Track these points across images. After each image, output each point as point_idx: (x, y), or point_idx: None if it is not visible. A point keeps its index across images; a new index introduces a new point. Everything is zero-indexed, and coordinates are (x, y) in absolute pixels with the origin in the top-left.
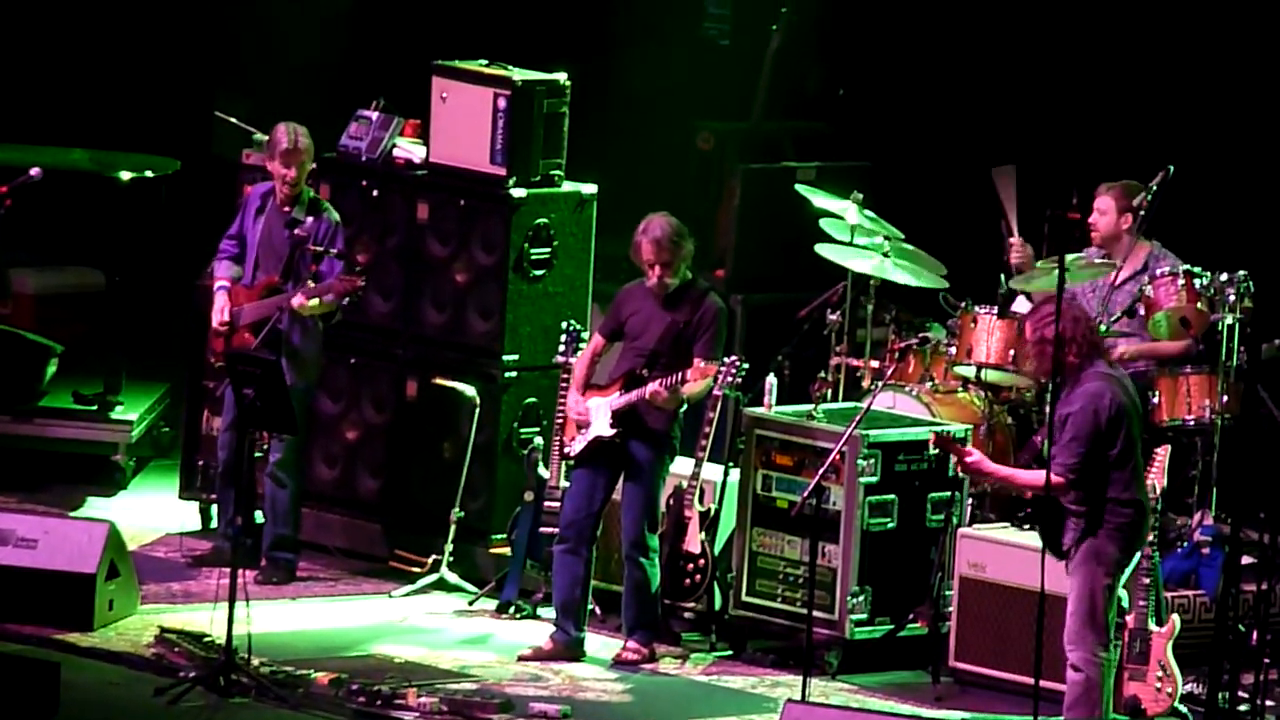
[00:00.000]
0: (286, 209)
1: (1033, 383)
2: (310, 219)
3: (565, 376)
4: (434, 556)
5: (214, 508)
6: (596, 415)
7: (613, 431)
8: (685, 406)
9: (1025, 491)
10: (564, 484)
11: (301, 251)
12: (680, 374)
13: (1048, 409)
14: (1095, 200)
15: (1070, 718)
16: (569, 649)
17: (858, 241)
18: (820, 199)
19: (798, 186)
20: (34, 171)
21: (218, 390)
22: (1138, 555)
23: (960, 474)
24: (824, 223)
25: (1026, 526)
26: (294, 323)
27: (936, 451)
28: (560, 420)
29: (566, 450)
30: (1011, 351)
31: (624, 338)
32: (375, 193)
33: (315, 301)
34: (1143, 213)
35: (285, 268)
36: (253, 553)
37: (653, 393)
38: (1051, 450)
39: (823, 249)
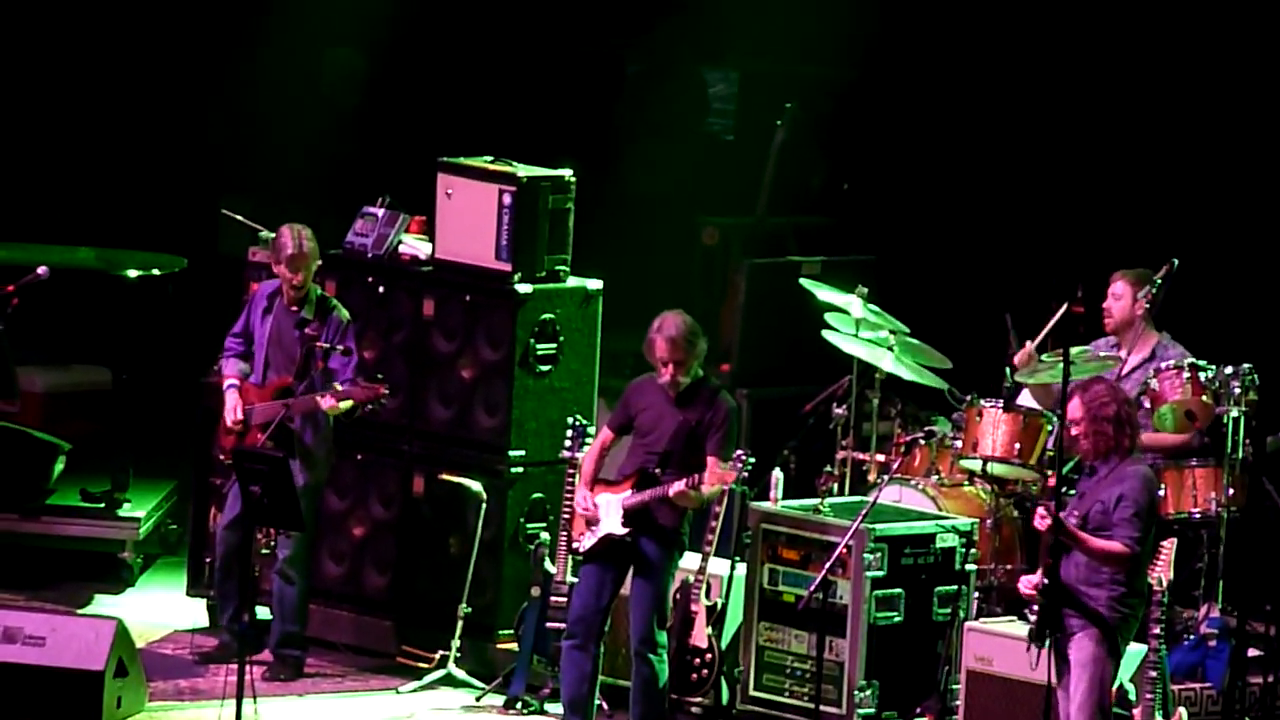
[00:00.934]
0: (295, 309)
1: (1038, 476)
2: (318, 319)
3: (571, 472)
4: (441, 652)
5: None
6: (607, 512)
7: (625, 530)
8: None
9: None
10: (570, 579)
11: (313, 352)
12: (699, 475)
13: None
14: (1111, 286)
15: None
16: None
17: (863, 335)
18: (825, 293)
19: (802, 281)
20: (41, 270)
21: (225, 488)
22: (1143, 649)
23: (1043, 528)
24: (829, 317)
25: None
26: (306, 422)
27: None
28: (567, 515)
29: (575, 546)
30: (1018, 445)
31: (634, 433)
32: (381, 289)
33: (347, 403)
34: (1148, 304)
35: (299, 369)
36: (258, 646)
37: (678, 493)
38: (1111, 522)
39: (831, 335)
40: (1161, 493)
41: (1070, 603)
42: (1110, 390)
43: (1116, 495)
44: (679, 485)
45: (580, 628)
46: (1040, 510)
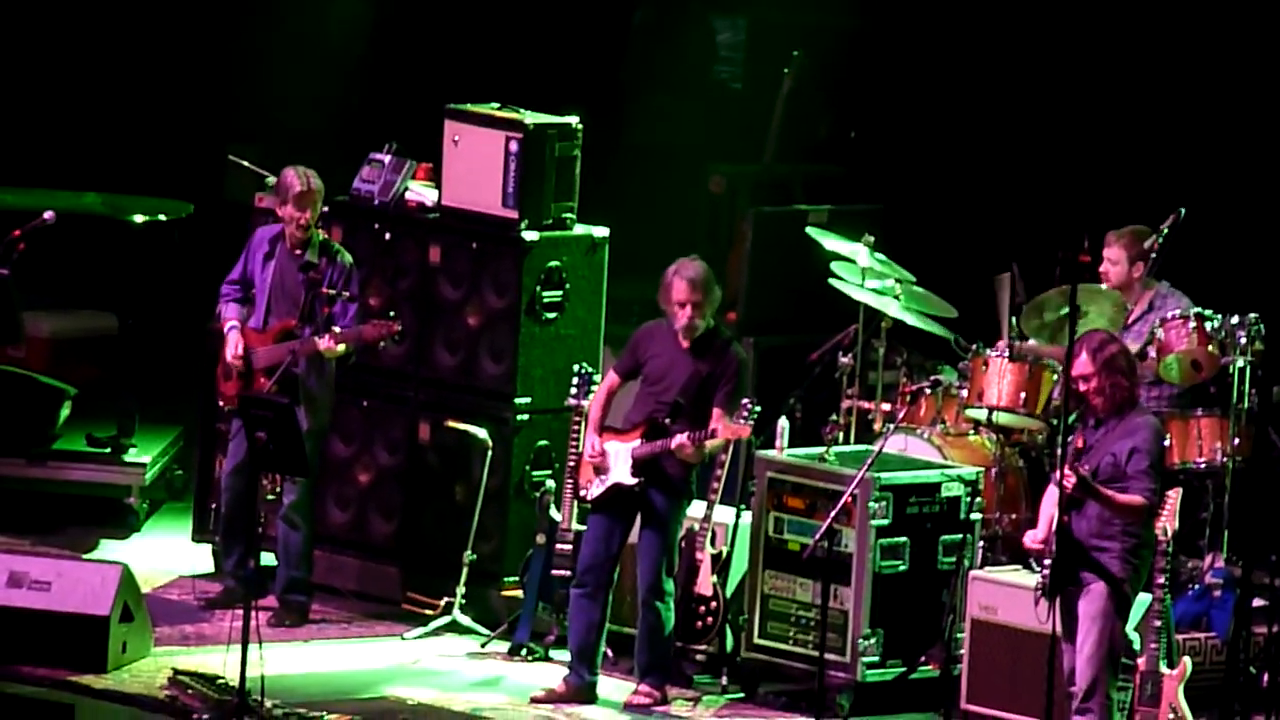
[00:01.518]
0: (298, 252)
1: (1043, 425)
2: (324, 261)
3: (577, 419)
4: (446, 599)
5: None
6: (616, 461)
7: (634, 480)
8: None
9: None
10: (576, 526)
11: (317, 295)
12: (710, 430)
13: (1059, 449)
14: (1105, 250)
15: None
16: (582, 692)
17: (869, 284)
18: (831, 241)
19: (808, 229)
20: (47, 215)
21: (229, 433)
22: (1148, 598)
23: (1070, 488)
24: (835, 266)
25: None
26: (310, 368)
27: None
28: (573, 463)
29: (583, 494)
30: (1023, 394)
31: (642, 379)
32: (387, 236)
33: (343, 346)
34: (1153, 255)
35: (302, 312)
36: (263, 592)
37: (679, 445)
38: (1125, 474)
39: (838, 282)
40: (1167, 442)
41: (1082, 557)
42: (1114, 339)
43: (1129, 448)
44: (682, 439)
45: (590, 576)
46: (1067, 470)
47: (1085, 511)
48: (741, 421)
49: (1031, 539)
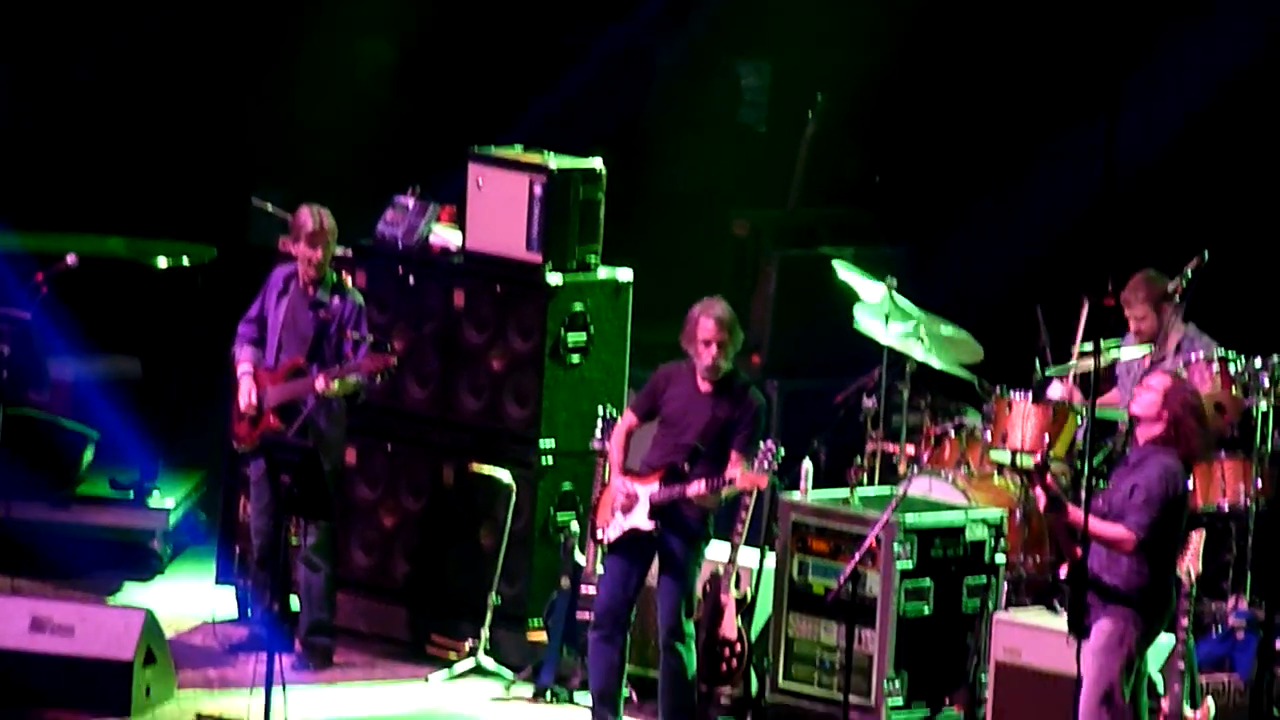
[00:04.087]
0: (311, 291)
1: (1067, 468)
2: (335, 300)
3: (602, 462)
4: (470, 642)
5: (249, 594)
6: (633, 504)
7: (651, 525)
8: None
9: (1077, 551)
10: (600, 570)
11: (327, 334)
12: (728, 478)
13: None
14: (1126, 309)
15: None
16: None
17: (892, 327)
18: (854, 277)
19: (835, 261)
20: (70, 259)
21: (252, 477)
22: (1171, 640)
23: (1041, 507)
24: (859, 309)
25: (1061, 610)
26: (320, 407)
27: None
28: (595, 501)
29: (599, 535)
30: (1047, 436)
31: (660, 421)
32: (411, 280)
33: (338, 384)
34: (1178, 298)
35: (311, 350)
36: (289, 638)
37: (697, 493)
38: (1124, 508)
39: (864, 322)
40: (1191, 485)
41: (1093, 590)
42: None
43: (1132, 483)
44: (700, 486)
45: (607, 619)
46: (1035, 488)
47: (1096, 547)
48: (761, 470)
49: (1064, 573)
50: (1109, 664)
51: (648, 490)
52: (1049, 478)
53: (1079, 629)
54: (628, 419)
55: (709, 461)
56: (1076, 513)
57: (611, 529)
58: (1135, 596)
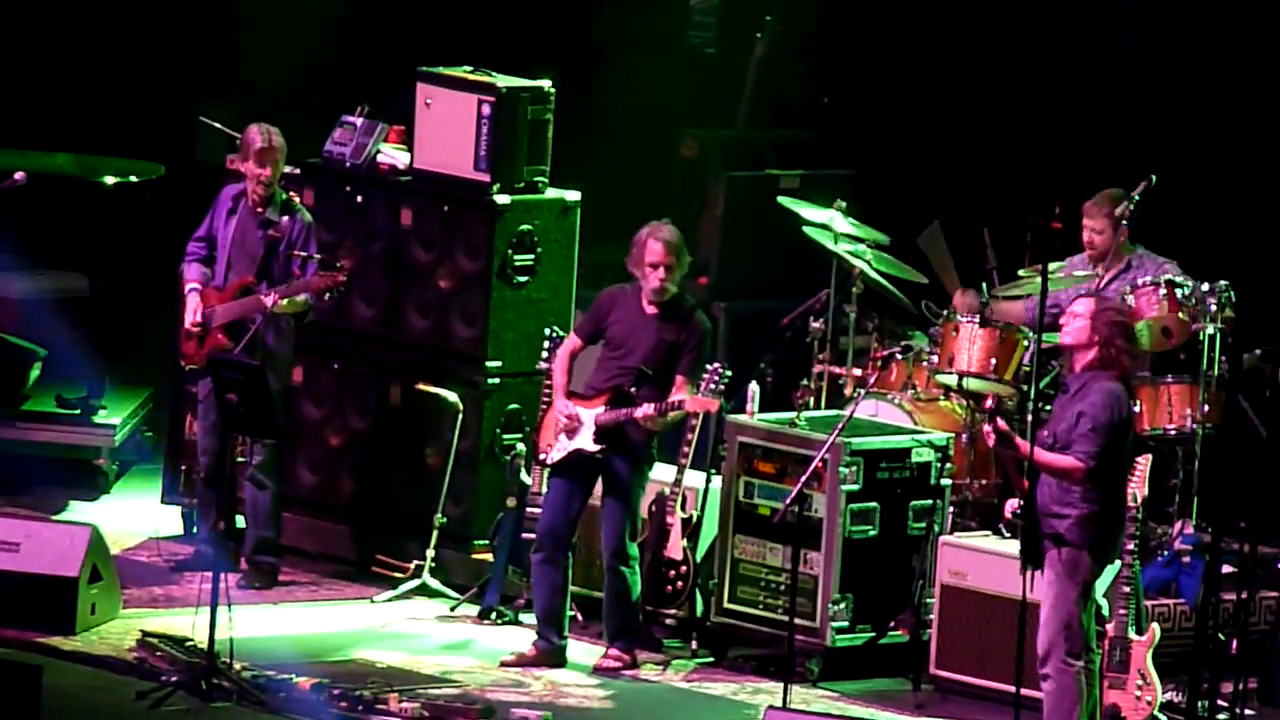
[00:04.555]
0: (260, 210)
1: (1014, 391)
2: (285, 219)
3: (548, 383)
4: (416, 562)
5: (195, 512)
6: (578, 427)
7: (597, 448)
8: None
9: (1024, 480)
10: (545, 490)
11: (276, 252)
12: (676, 401)
13: (1030, 418)
14: (1086, 219)
15: None
16: (551, 656)
17: (842, 248)
18: (804, 209)
19: (780, 199)
20: (18, 176)
21: (199, 395)
22: (1117, 564)
23: (991, 444)
24: (808, 230)
25: (1008, 534)
26: (269, 325)
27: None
28: (538, 423)
29: (542, 457)
30: (994, 360)
31: (604, 344)
32: (359, 199)
33: (287, 301)
34: (1125, 221)
35: (260, 268)
36: (234, 556)
37: (645, 415)
38: (1071, 438)
39: (813, 232)
40: (1137, 409)
41: (1044, 520)
42: (1124, 311)
43: (1078, 411)
44: (648, 409)
45: (548, 540)
46: (986, 426)
47: (1047, 478)
48: (708, 393)
49: (1008, 506)
50: (1065, 592)
51: (592, 413)
52: (998, 418)
53: (1034, 560)
54: (571, 341)
55: (654, 384)
56: (1025, 445)
57: (555, 451)
58: (1086, 524)
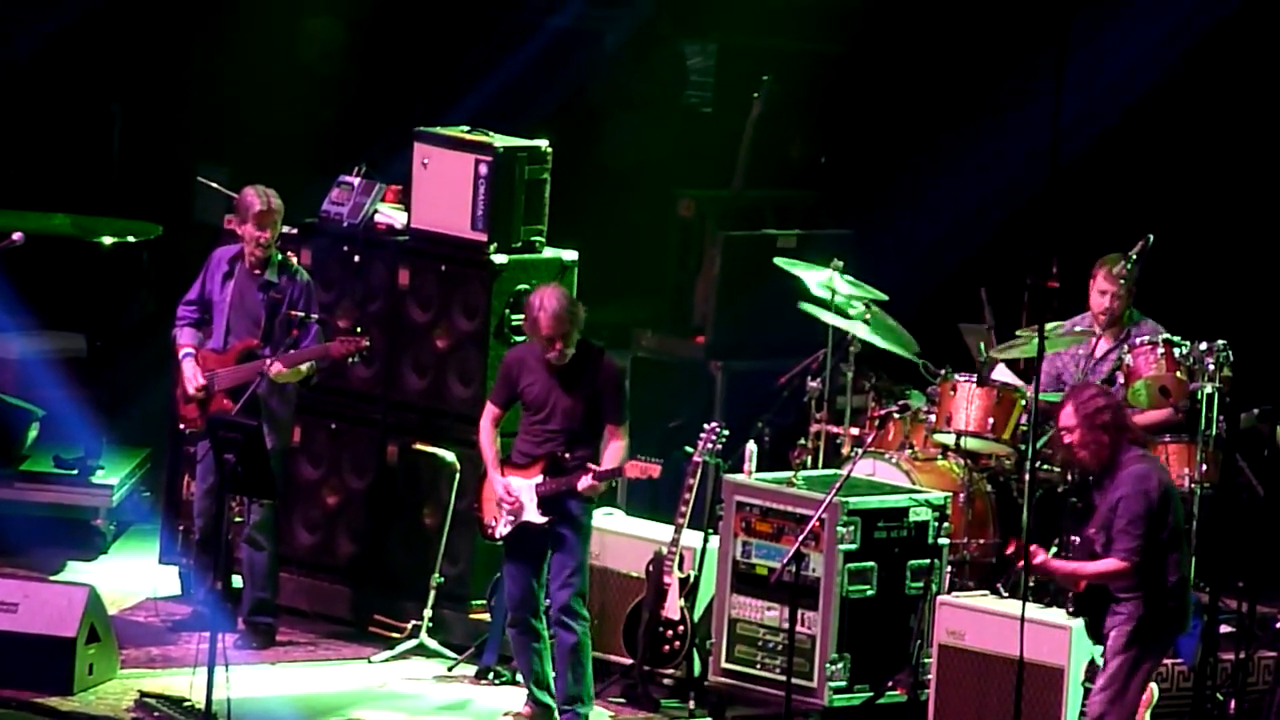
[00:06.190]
0: (258, 272)
1: (1011, 451)
2: (284, 280)
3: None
4: (413, 622)
5: (192, 573)
6: (522, 499)
7: (544, 519)
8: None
9: (1079, 584)
10: None
11: (277, 314)
12: (617, 468)
13: (1027, 477)
14: (1104, 283)
15: None
16: (544, 715)
17: (835, 319)
18: (801, 270)
19: (777, 260)
20: (16, 236)
21: (197, 456)
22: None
23: (1034, 574)
24: (804, 306)
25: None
26: (272, 388)
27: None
28: (478, 498)
29: (490, 533)
30: (991, 420)
31: (524, 407)
32: (357, 258)
33: (292, 369)
34: (1123, 281)
35: (264, 331)
36: (232, 617)
37: (587, 487)
38: (1112, 536)
39: (809, 307)
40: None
41: (1109, 599)
42: (1102, 393)
43: (1112, 504)
44: (587, 481)
45: (518, 613)
46: (1037, 550)
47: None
48: (650, 460)
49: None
50: (1121, 665)
51: (531, 484)
52: (1034, 559)
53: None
54: (490, 412)
55: (585, 440)
56: (1060, 564)
57: (502, 525)
58: (1143, 601)
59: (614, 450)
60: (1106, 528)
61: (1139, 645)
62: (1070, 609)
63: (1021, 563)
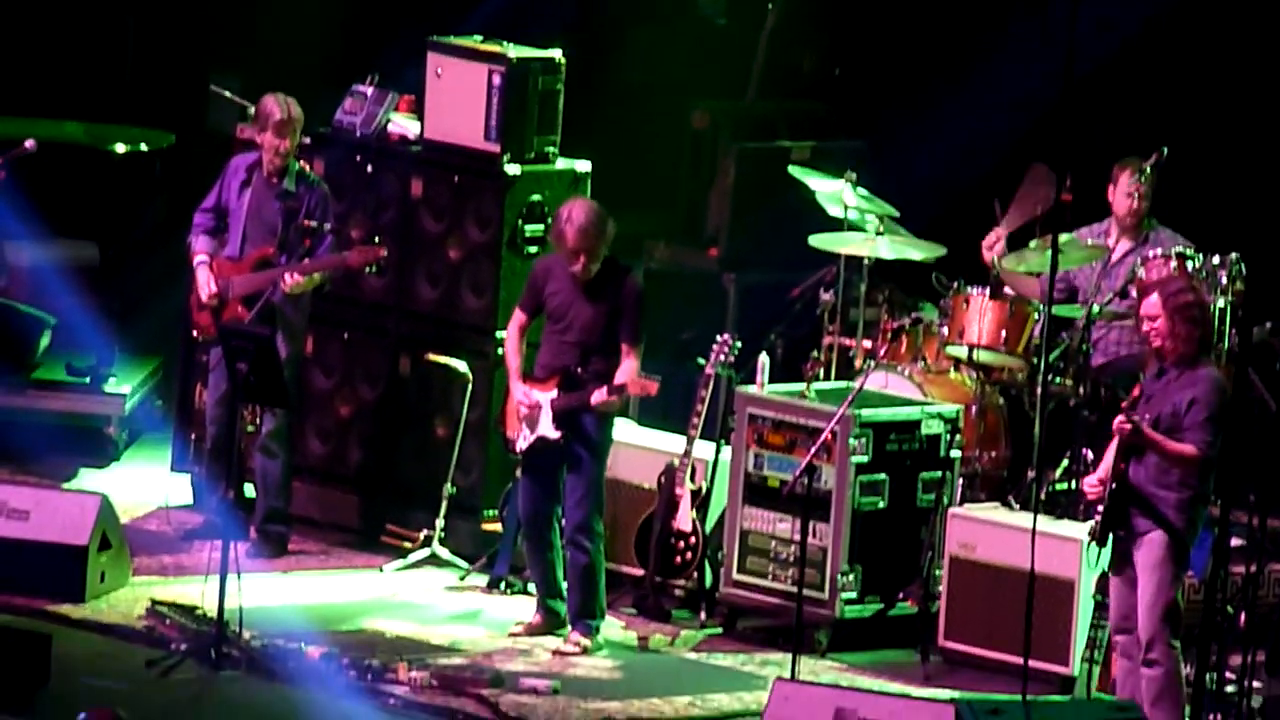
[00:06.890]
0: (276, 181)
1: (1024, 364)
2: (302, 189)
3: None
4: (425, 532)
5: (204, 482)
6: (538, 414)
7: (557, 434)
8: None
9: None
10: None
11: (294, 223)
12: (619, 384)
13: (1039, 390)
14: (1122, 183)
15: (1154, 713)
16: (555, 623)
17: (850, 219)
18: (813, 180)
19: (791, 169)
20: (28, 144)
21: (210, 364)
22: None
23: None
24: (820, 197)
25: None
26: (286, 296)
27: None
28: (501, 411)
29: (513, 446)
30: (1004, 332)
31: (547, 316)
32: (369, 168)
33: (307, 278)
34: (1144, 181)
35: (280, 240)
36: (244, 525)
37: (600, 401)
38: (1183, 424)
39: (815, 239)
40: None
41: (1139, 505)
42: (1189, 287)
43: (1189, 399)
44: (600, 394)
45: (533, 528)
46: (1121, 417)
47: (1144, 460)
48: (650, 378)
49: (1089, 482)
50: (1166, 576)
51: (548, 397)
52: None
53: (1104, 537)
54: (517, 318)
55: (601, 354)
56: (1150, 431)
57: (521, 439)
58: (1186, 508)
59: (624, 369)
60: (1175, 416)
61: (1174, 556)
62: (1091, 534)
63: (1122, 420)
